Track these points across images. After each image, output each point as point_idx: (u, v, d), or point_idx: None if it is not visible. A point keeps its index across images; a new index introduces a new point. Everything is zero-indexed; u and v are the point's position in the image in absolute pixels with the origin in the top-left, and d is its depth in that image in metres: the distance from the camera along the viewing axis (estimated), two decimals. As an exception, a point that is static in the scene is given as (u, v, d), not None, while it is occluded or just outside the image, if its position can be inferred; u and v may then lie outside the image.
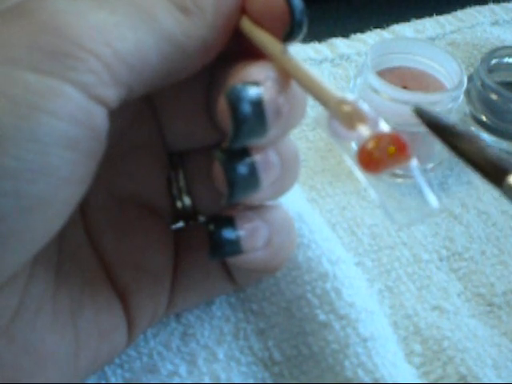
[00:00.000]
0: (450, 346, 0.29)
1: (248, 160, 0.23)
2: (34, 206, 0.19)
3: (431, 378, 0.28)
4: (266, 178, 0.23)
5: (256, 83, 0.21)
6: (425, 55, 0.38)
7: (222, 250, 0.25)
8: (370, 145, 0.20)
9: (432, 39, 0.47)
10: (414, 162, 0.20)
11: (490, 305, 0.32)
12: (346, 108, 0.20)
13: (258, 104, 0.21)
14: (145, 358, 0.27)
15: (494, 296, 0.32)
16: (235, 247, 0.25)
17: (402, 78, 0.37)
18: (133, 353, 0.27)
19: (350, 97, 0.21)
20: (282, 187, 0.25)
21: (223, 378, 0.27)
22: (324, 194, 0.36)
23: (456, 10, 0.49)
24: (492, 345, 0.30)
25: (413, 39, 0.45)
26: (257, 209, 0.26)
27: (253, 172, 0.23)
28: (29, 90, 0.18)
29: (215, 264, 0.27)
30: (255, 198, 0.24)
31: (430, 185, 0.20)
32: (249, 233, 0.25)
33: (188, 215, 0.28)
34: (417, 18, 0.48)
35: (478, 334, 0.30)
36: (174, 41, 0.21)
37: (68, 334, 0.23)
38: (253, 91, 0.21)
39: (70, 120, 0.19)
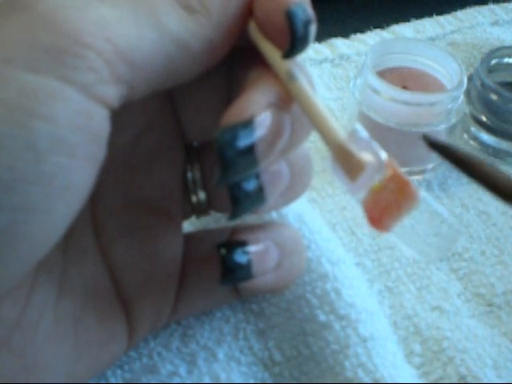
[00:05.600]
0: (450, 347, 0.29)
1: (251, 180, 0.22)
2: (29, 217, 0.18)
3: (431, 379, 0.28)
4: (273, 191, 0.23)
5: (250, 122, 0.20)
6: (425, 55, 0.38)
7: (233, 275, 0.25)
8: (371, 206, 0.19)
9: (432, 39, 0.47)
10: (423, 194, 0.19)
11: (490, 305, 0.31)
12: (346, 157, 0.19)
13: (247, 149, 0.20)
14: (145, 359, 0.27)
15: (494, 296, 0.32)
16: (246, 272, 0.25)
17: (402, 78, 0.37)
18: (133, 353, 0.27)
19: (354, 131, 0.20)
20: (291, 195, 0.25)
21: (223, 378, 0.27)
22: (324, 194, 0.36)
23: (456, 10, 0.49)
24: (492, 345, 0.30)
25: (413, 39, 0.45)
26: (267, 229, 0.26)
27: (258, 187, 0.22)
28: (24, 93, 0.17)
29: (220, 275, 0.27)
30: (262, 209, 0.24)
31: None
32: (260, 257, 0.25)
33: (201, 209, 0.27)
34: (417, 18, 0.48)
35: (478, 334, 0.30)
36: (177, 39, 0.20)
37: (68, 343, 0.23)
38: (243, 135, 0.20)
39: (68, 125, 0.18)
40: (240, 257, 0.25)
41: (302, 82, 0.21)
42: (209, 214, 0.28)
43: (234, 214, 0.23)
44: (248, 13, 0.21)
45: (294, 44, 0.20)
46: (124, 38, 0.19)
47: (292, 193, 0.24)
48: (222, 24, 0.21)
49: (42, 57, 0.18)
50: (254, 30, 0.22)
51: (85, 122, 0.18)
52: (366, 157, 0.19)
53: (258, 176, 0.22)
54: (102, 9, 0.19)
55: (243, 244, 0.25)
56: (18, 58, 0.18)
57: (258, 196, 0.22)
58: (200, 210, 0.27)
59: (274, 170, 0.23)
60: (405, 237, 0.20)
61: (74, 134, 0.18)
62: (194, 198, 0.27)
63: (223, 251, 0.25)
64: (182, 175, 0.27)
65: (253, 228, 0.26)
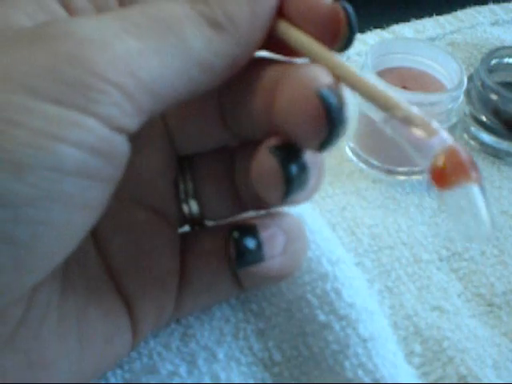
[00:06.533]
0: (450, 347, 0.29)
1: (302, 159, 0.22)
2: (49, 232, 0.19)
3: (431, 379, 0.28)
4: (313, 177, 0.23)
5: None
6: (425, 55, 0.38)
7: (246, 258, 0.25)
8: (442, 161, 0.19)
9: (432, 39, 0.47)
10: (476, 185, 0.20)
11: (489, 305, 0.32)
12: (417, 120, 0.20)
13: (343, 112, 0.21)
14: (145, 359, 0.27)
15: (494, 296, 0.32)
16: (258, 255, 0.25)
17: (401, 78, 0.37)
18: (133, 353, 0.27)
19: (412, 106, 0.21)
20: (316, 187, 0.25)
21: (223, 378, 0.27)
22: (324, 194, 0.36)
23: (456, 10, 0.49)
24: (492, 345, 0.30)
25: (413, 39, 0.45)
26: (273, 217, 0.26)
27: (305, 170, 0.22)
28: (49, 121, 0.18)
29: (223, 268, 0.27)
30: (300, 197, 0.24)
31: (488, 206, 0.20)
32: (269, 241, 0.26)
33: (194, 220, 0.28)
34: (417, 18, 0.48)
35: (478, 334, 0.30)
36: (202, 62, 0.20)
37: (72, 341, 0.23)
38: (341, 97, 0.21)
39: (91, 150, 0.18)
40: (252, 240, 0.25)
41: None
42: (203, 225, 0.28)
43: (285, 195, 0.22)
44: (273, 22, 0.22)
45: (352, 33, 0.22)
46: (148, 71, 0.19)
47: (317, 185, 0.25)
48: (249, 40, 0.21)
49: (65, 91, 0.18)
50: (286, 28, 0.22)
51: (107, 149, 0.19)
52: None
53: (304, 162, 0.22)
54: (127, 42, 0.19)
55: (254, 228, 0.26)
56: (42, 90, 0.18)
57: (305, 179, 0.23)
58: (192, 220, 0.28)
59: (313, 157, 0.23)
60: (451, 209, 0.20)
61: (97, 159, 0.19)
62: (185, 208, 0.27)
63: (236, 234, 0.25)
64: (174, 184, 0.27)
65: (259, 216, 0.27)
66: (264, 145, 0.22)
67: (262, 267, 0.26)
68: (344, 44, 0.22)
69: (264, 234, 0.26)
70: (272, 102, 0.22)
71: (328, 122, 0.20)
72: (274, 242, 0.26)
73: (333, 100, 0.20)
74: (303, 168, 0.22)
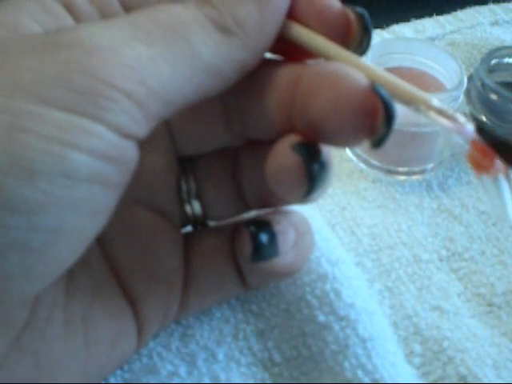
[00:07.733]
0: (450, 347, 0.29)
1: (323, 157, 0.22)
2: (59, 239, 0.19)
3: (431, 379, 0.28)
4: (332, 171, 0.23)
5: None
6: (425, 55, 0.38)
7: (263, 252, 0.25)
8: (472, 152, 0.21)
9: (432, 39, 0.47)
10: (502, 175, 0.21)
11: (489, 305, 0.32)
12: (446, 114, 0.20)
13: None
14: (144, 359, 0.27)
15: (493, 296, 0.32)
16: (274, 249, 0.26)
17: (401, 78, 0.37)
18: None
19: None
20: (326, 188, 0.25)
21: (223, 378, 0.27)
22: (324, 194, 0.36)
23: (456, 10, 0.49)
24: (492, 345, 0.30)
25: (413, 39, 0.45)
26: (282, 213, 0.27)
27: (326, 168, 0.22)
28: (61, 128, 0.18)
29: (228, 267, 0.27)
30: (317, 196, 0.24)
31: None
32: (282, 236, 0.26)
33: (197, 220, 0.28)
34: (417, 18, 0.48)
35: (478, 334, 0.30)
36: (210, 67, 0.20)
37: (78, 342, 0.23)
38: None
39: (101, 157, 0.19)
40: (267, 234, 0.26)
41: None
42: (205, 225, 0.28)
43: (308, 191, 0.22)
44: (281, 25, 0.22)
45: (369, 38, 0.22)
46: (157, 78, 0.19)
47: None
48: (257, 44, 0.21)
49: (76, 98, 0.18)
50: (300, 31, 0.22)
51: (117, 155, 0.19)
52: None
53: (324, 160, 0.22)
54: (137, 49, 0.19)
55: (269, 223, 0.26)
56: (53, 97, 0.18)
57: (326, 174, 0.23)
58: (195, 220, 0.28)
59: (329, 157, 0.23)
60: (487, 190, 0.21)
61: (107, 165, 0.19)
62: (188, 209, 0.27)
63: (252, 229, 0.25)
64: (177, 184, 0.27)
65: (269, 212, 0.27)
66: (284, 142, 0.22)
67: (275, 262, 0.26)
68: (363, 48, 0.22)
69: (277, 229, 0.26)
70: (291, 102, 0.22)
71: (385, 114, 0.20)
72: (286, 236, 0.26)
73: (387, 94, 0.20)
74: (325, 166, 0.22)
